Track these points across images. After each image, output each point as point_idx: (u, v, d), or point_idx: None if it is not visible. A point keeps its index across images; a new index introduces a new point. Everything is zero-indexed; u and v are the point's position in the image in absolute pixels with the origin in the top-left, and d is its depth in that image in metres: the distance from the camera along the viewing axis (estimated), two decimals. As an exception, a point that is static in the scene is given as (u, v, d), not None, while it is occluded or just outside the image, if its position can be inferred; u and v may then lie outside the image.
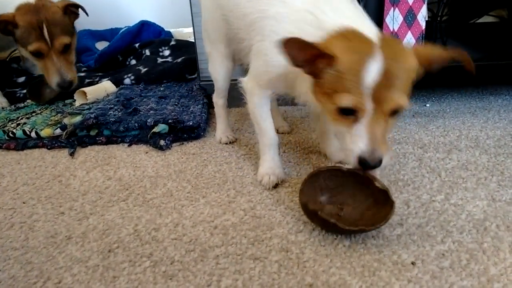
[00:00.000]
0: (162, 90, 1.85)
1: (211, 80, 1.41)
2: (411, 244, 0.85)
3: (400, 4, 1.62)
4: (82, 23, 2.36)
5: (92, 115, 1.44)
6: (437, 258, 0.81)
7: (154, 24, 2.51)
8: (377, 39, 0.82)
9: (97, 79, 1.99)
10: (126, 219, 0.99)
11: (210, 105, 1.66)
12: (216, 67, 1.34)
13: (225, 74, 1.34)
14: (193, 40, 1.74)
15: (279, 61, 0.92)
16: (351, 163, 0.85)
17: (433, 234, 0.88)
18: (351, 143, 0.84)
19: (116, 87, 1.89)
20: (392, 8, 1.62)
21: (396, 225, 0.92)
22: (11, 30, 1.70)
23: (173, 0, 2.66)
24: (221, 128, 1.45)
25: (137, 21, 2.46)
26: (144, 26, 2.45)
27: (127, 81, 1.96)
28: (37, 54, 1.73)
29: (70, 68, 1.79)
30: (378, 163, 0.82)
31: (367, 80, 0.77)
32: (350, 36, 0.83)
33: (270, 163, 1.13)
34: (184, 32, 2.59)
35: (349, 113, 0.82)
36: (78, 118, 1.49)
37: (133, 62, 2.27)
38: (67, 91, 1.79)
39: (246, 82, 1.10)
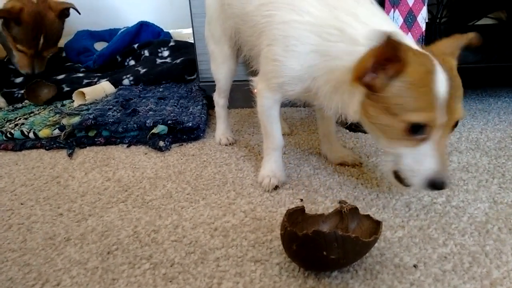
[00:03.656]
0: (161, 91, 1.84)
1: (211, 81, 1.41)
2: (413, 247, 0.85)
3: (400, 5, 1.62)
4: (81, 23, 2.36)
5: (91, 116, 1.43)
6: (439, 261, 0.80)
7: (153, 25, 2.51)
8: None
9: (95, 80, 1.98)
10: (125, 221, 0.98)
11: (209, 106, 1.66)
12: (218, 67, 1.33)
13: (228, 74, 1.33)
14: (193, 41, 1.74)
15: (290, 65, 0.91)
16: (415, 185, 0.83)
17: (435, 237, 0.88)
18: (416, 165, 0.81)
19: (115, 88, 1.88)
20: (392, 10, 1.62)
21: (397, 227, 0.91)
22: (8, 20, 1.71)
23: (172, 1, 2.65)
24: (221, 129, 1.44)
25: (136, 21, 2.45)
26: (143, 26, 2.45)
27: (126, 81, 1.95)
28: (22, 51, 1.78)
29: (43, 63, 1.87)
30: (447, 184, 0.79)
31: (440, 92, 0.74)
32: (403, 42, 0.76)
33: (272, 166, 1.12)
34: (183, 33, 2.58)
35: (417, 131, 0.78)
36: (76, 119, 1.48)
37: (132, 62, 2.26)
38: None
39: (257, 82, 1.07)
